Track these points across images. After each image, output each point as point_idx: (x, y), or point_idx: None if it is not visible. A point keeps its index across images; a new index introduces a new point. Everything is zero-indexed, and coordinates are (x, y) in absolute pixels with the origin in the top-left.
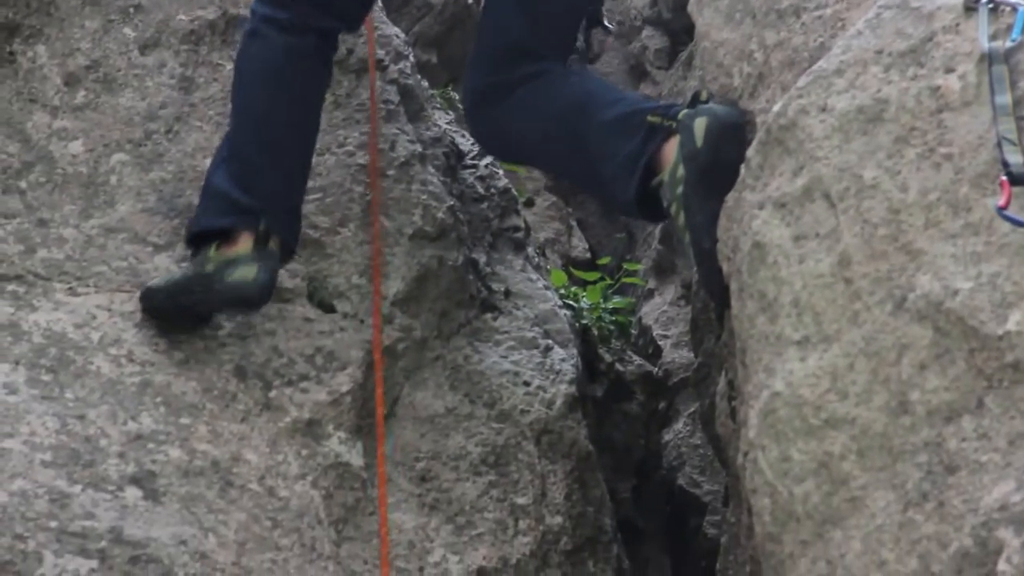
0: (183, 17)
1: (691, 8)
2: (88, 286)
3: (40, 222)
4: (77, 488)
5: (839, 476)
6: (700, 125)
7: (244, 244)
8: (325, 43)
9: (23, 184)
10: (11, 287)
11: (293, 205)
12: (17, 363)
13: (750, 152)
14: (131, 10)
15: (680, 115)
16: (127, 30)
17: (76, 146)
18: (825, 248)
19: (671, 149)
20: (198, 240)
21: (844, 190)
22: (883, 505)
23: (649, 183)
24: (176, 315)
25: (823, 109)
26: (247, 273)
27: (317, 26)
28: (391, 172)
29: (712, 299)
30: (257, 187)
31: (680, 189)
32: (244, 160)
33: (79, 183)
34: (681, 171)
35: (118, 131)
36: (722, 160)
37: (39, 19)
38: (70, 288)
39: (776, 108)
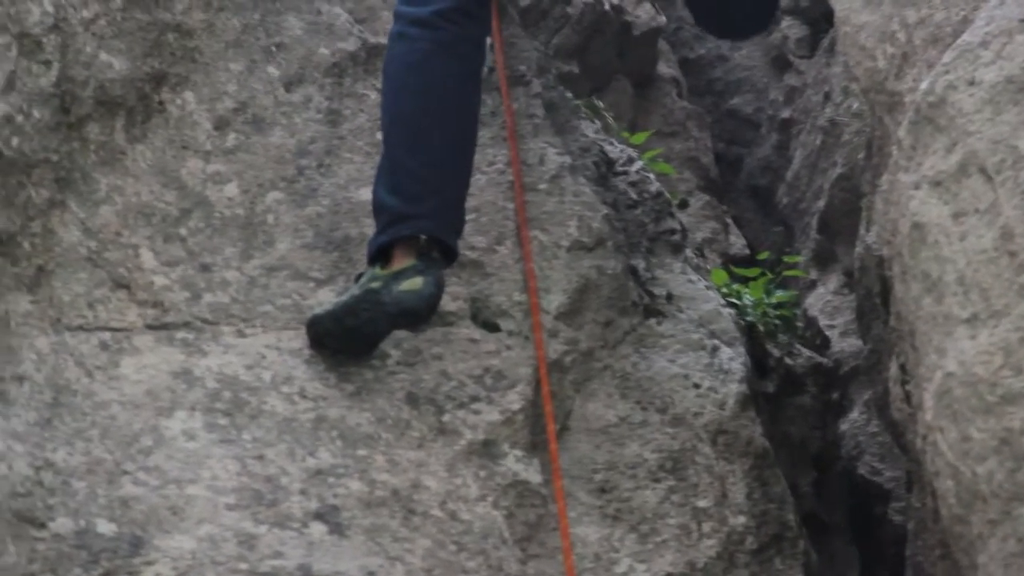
0: (325, 51)
1: None
2: (255, 326)
3: (203, 267)
4: (263, 528)
5: (1021, 452)
6: None
7: (408, 257)
8: (473, 21)
9: (183, 231)
10: (181, 334)
11: (453, 201)
12: (193, 409)
13: (901, 133)
14: (273, 49)
15: None
16: (271, 69)
17: (231, 188)
18: (986, 223)
19: None
20: (373, 260)
21: (1000, 162)
22: None
23: None
24: (343, 339)
25: (971, 83)
26: (414, 284)
27: (462, 3)
28: (542, 186)
29: None
30: (413, 191)
31: None
32: (397, 165)
33: (237, 225)
34: None
35: (271, 170)
36: None
37: (185, 67)
38: (238, 330)
39: (923, 86)
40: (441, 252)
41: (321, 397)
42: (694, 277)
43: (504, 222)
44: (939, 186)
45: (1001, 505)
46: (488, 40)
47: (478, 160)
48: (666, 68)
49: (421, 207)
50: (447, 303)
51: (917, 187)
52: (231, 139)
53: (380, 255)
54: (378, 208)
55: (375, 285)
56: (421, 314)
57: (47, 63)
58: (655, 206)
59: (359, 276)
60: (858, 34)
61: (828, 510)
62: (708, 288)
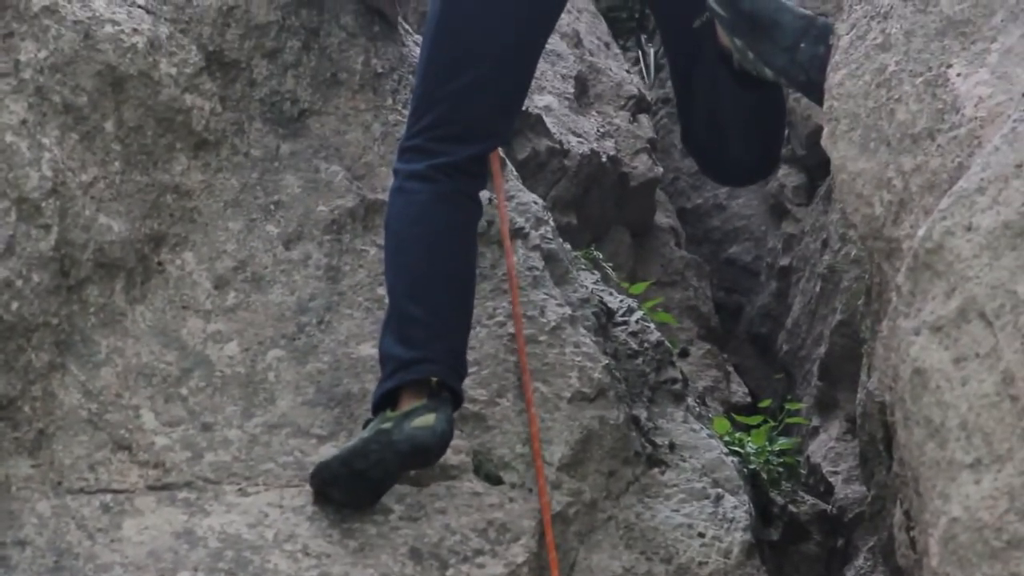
0: (323, 208)
1: (825, 142)
2: (257, 485)
3: (204, 426)
4: None
5: None
6: (713, 7)
7: (418, 399)
8: (469, 177)
9: (184, 391)
10: (183, 494)
11: (457, 348)
12: (196, 570)
13: (900, 279)
14: (272, 207)
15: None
16: (270, 227)
17: (232, 347)
18: (987, 368)
19: (725, 37)
20: (379, 408)
21: (999, 307)
22: None
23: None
24: (350, 484)
25: (968, 228)
26: (426, 420)
27: (458, 161)
28: (543, 338)
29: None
30: (419, 338)
31: (750, 55)
32: (403, 315)
33: (238, 383)
34: (737, 42)
35: (271, 327)
36: (742, 8)
37: (184, 227)
38: (240, 489)
39: (921, 232)
40: (450, 394)
41: (324, 554)
42: (696, 426)
43: (505, 375)
44: (939, 331)
45: None
46: (486, 194)
47: (478, 313)
48: (664, 218)
49: (428, 352)
50: (449, 457)
51: (917, 333)
52: (231, 298)
53: (386, 402)
54: (384, 358)
55: (386, 426)
56: (433, 451)
57: (46, 227)
58: (656, 355)
59: (366, 423)
60: (855, 181)
61: None
62: (710, 437)
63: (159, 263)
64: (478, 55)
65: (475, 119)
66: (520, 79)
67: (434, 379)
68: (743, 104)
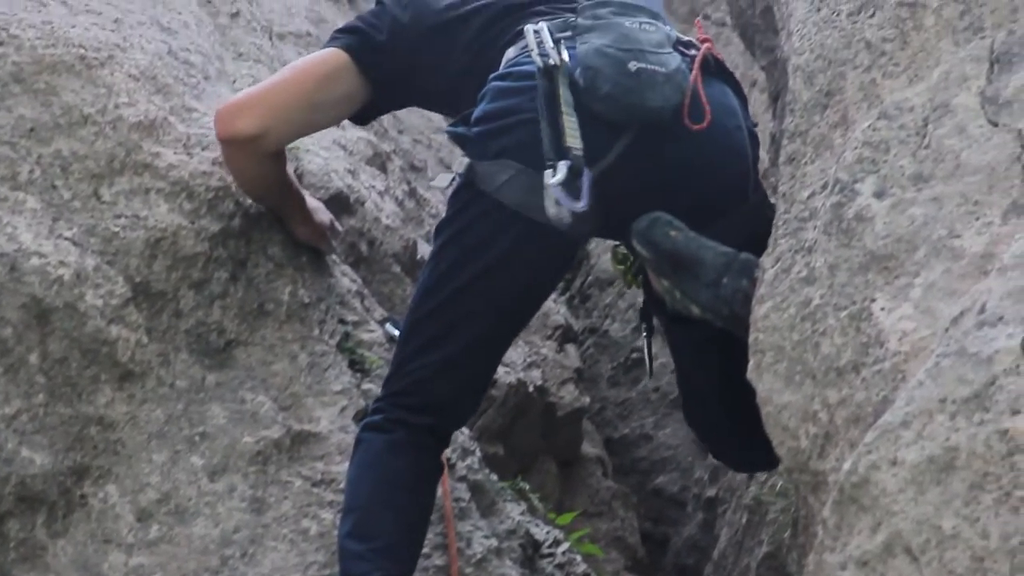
0: (248, 439)
1: (750, 375)
2: None
3: None
4: None
5: None
6: (638, 249)
7: None
8: (427, 436)
9: None
10: None
11: None
12: None
13: (826, 512)
14: (197, 438)
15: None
16: (195, 459)
17: None
18: None
19: (654, 279)
20: None
21: (925, 542)
22: None
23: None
24: None
25: (894, 462)
26: None
27: (413, 423)
28: (469, 570)
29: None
30: (360, 570)
31: (677, 294)
32: (347, 553)
33: None
34: (664, 282)
35: (194, 561)
36: (663, 248)
37: (107, 459)
38: None
39: (847, 466)
40: None
41: None
42: None
43: None
44: (865, 566)
45: None
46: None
47: None
48: (591, 448)
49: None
50: None
51: (843, 567)
52: (154, 531)
53: None
54: None
55: None
56: None
57: None
58: None
59: None
60: (780, 414)
61: None
62: None
63: (82, 496)
64: (455, 338)
65: (440, 400)
66: (493, 363)
67: None
68: (716, 374)
